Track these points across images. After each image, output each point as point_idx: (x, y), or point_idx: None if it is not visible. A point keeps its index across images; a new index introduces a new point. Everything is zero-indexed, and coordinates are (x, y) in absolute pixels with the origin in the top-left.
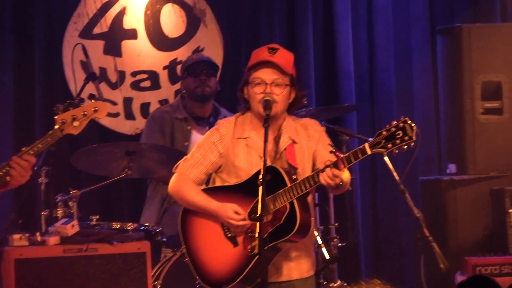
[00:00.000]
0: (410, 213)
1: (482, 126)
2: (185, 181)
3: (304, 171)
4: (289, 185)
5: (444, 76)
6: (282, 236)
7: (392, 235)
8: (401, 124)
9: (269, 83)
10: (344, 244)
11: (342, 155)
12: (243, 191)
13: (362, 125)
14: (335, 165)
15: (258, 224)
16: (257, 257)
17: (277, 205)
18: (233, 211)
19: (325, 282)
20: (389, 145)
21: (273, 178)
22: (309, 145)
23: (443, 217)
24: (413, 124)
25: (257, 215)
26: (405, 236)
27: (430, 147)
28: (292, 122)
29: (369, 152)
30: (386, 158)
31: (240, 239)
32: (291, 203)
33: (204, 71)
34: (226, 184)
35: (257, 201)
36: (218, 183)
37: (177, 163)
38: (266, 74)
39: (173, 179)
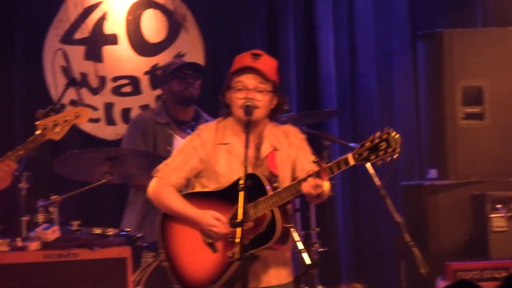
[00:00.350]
0: (391, 218)
1: (463, 131)
2: (164, 186)
3: (285, 178)
4: (270, 193)
5: (425, 81)
6: (263, 244)
7: (373, 240)
8: (384, 136)
9: (251, 89)
10: (325, 249)
11: (325, 165)
12: (223, 197)
13: (343, 130)
14: (317, 174)
15: (239, 230)
16: (235, 263)
17: (257, 213)
18: (213, 218)
19: (306, 287)
20: (372, 157)
21: (254, 185)
22: (289, 153)
23: (424, 222)
24: (397, 136)
25: (237, 221)
26: (386, 241)
27: (411, 152)
28: (274, 129)
29: (352, 163)
30: (367, 164)
31: (219, 245)
32: (272, 211)
33: (190, 73)
34: (206, 189)
35: (237, 208)
36: (197, 188)
37: (157, 167)
38: (248, 80)
39: (152, 183)
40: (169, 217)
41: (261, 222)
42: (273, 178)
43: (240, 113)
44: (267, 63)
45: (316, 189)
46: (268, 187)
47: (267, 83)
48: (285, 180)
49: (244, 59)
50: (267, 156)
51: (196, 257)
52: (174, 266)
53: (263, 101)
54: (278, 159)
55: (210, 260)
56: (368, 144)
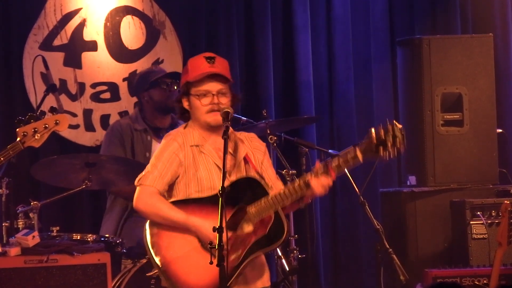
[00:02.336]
0: (370, 225)
1: (442, 138)
2: (154, 195)
3: (268, 180)
4: (270, 194)
5: (404, 87)
6: (268, 245)
7: (352, 247)
8: (389, 128)
9: (215, 94)
10: (303, 255)
11: (332, 163)
12: (215, 202)
13: (321, 136)
14: (326, 172)
15: (219, 236)
16: (239, 269)
17: (260, 215)
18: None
19: None
20: (381, 150)
21: (252, 188)
22: (256, 156)
23: (403, 229)
24: (400, 126)
25: (217, 227)
26: (365, 248)
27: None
28: (236, 133)
29: (361, 158)
30: (346, 170)
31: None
32: (276, 213)
33: (172, 83)
34: (194, 196)
35: (233, 213)
36: (180, 192)
37: (139, 176)
38: (211, 86)
39: (139, 193)
40: (156, 225)
41: (265, 224)
42: (263, 179)
43: (207, 118)
44: (223, 65)
45: (326, 189)
46: (269, 188)
47: (226, 85)
48: (270, 185)
49: (200, 64)
50: (245, 158)
51: (194, 263)
52: (168, 274)
53: (227, 103)
54: (253, 161)
55: (212, 266)
56: (374, 138)
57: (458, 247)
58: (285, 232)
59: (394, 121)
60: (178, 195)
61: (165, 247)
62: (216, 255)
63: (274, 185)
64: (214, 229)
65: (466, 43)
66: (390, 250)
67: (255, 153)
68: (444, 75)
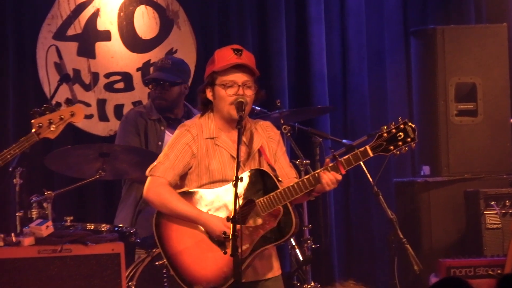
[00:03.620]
0: (383, 215)
1: (456, 128)
2: (164, 187)
3: (280, 172)
4: (280, 187)
5: (418, 78)
6: (276, 239)
7: (366, 237)
8: (401, 126)
9: (240, 85)
10: (317, 245)
11: (341, 158)
12: (225, 195)
13: (335, 127)
14: (334, 167)
15: (232, 226)
16: (245, 264)
17: (269, 208)
18: (225, 226)
19: (298, 284)
20: (391, 147)
21: (262, 181)
22: (270, 146)
23: (417, 219)
24: (413, 125)
25: (231, 217)
26: (378, 238)
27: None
28: (252, 123)
29: (371, 154)
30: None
31: (228, 244)
32: (285, 206)
33: (158, 86)
34: (205, 188)
35: (242, 205)
36: (192, 183)
37: (151, 166)
38: (237, 76)
39: (149, 183)
40: (164, 216)
41: (274, 217)
42: (274, 172)
43: (230, 109)
44: (250, 58)
45: (335, 184)
46: (279, 182)
47: (252, 78)
48: (281, 174)
49: (227, 55)
50: (260, 150)
51: (203, 255)
52: (176, 265)
53: (251, 96)
54: (267, 153)
55: (221, 258)
56: (385, 135)
57: (472, 237)
58: (293, 227)
59: (407, 119)
60: (190, 186)
61: (173, 237)
62: (230, 245)
63: (287, 173)
64: (228, 219)
65: (480, 33)
66: (404, 240)
67: (269, 143)
68: (458, 65)
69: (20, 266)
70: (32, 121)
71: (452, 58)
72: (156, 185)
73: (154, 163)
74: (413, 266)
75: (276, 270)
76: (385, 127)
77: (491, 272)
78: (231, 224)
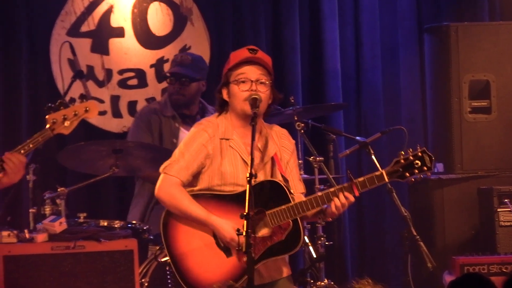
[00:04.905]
0: (397, 212)
1: (469, 125)
2: (176, 186)
3: (291, 183)
4: (292, 202)
5: (432, 75)
6: (283, 252)
7: (379, 234)
8: (419, 154)
9: (253, 80)
10: (331, 243)
11: (356, 180)
12: (236, 201)
13: (348, 124)
14: (349, 188)
15: (245, 222)
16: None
17: (279, 221)
18: (234, 230)
19: (311, 281)
20: (407, 174)
21: (274, 193)
22: (283, 155)
23: (430, 216)
24: (430, 154)
25: (244, 214)
26: (391, 236)
27: (417, 147)
28: (268, 128)
29: (386, 180)
30: (373, 157)
31: (234, 250)
32: (295, 221)
33: (179, 80)
34: (217, 192)
35: (253, 213)
36: (202, 183)
37: (165, 164)
38: (250, 72)
39: (162, 182)
40: (173, 215)
41: (282, 230)
42: (286, 183)
43: (244, 106)
44: (265, 58)
45: (345, 205)
46: (291, 196)
47: (267, 76)
48: (292, 186)
49: (242, 54)
50: (273, 158)
51: (207, 259)
52: (179, 266)
53: (265, 93)
54: (280, 162)
55: (224, 265)
56: (402, 161)
57: (485, 235)
58: (301, 242)
59: (425, 148)
60: (201, 185)
61: (179, 238)
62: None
63: (296, 186)
64: (242, 216)
65: (493, 30)
66: (417, 237)
67: (282, 152)
68: (471, 62)
69: (33, 262)
70: (47, 116)
71: (465, 55)
72: (169, 185)
73: (169, 161)
74: (426, 264)
75: (284, 271)
76: (403, 153)
77: (504, 270)
78: (244, 221)
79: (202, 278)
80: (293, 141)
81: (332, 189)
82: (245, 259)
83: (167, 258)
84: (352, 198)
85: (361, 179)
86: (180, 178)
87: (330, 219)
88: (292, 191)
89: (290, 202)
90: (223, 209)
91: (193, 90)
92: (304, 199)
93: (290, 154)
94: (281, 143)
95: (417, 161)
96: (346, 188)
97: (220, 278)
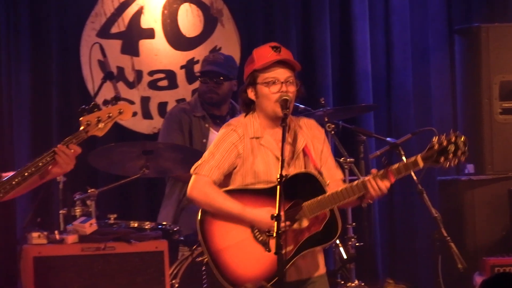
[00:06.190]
0: (427, 213)
1: (500, 126)
2: (208, 185)
3: (326, 174)
4: (328, 192)
5: (462, 76)
6: (321, 243)
7: (410, 235)
8: (453, 139)
9: (283, 81)
10: (361, 244)
11: (391, 166)
12: (271, 194)
13: (379, 125)
14: (384, 175)
15: (276, 223)
16: (288, 265)
17: (316, 211)
18: (270, 215)
19: (342, 282)
20: (442, 159)
21: (309, 184)
22: (315, 146)
23: (461, 217)
24: (465, 139)
25: (275, 215)
26: (422, 237)
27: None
28: (296, 120)
29: (421, 165)
30: (403, 158)
31: (272, 243)
32: (331, 210)
33: (214, 79)
34: (251, 187)
35: (288, 207)
36: (236, 183)
37: (195, 164)
38: (279, 73)
39: (194, 182)
40: (209, 214)
41: (320, 221)
42: (320, 174)
43: (276, 107)
44: (288, 54)
45: (383, 191)
46: (327, 186)
47: (293, 73)
48: (328, 175)
49: (266, 53)
50: (304, 150)
51: (245, 254)
52: (218, 262)
53: (294, 92)
54: (312, 153)
55: (263, 258)
56: (436, 146)
57: None
58: (339, 231)
59: (458, 132)
60: (233, 185)
61: (217, 235)
62: (275, 243)
63: (334, 175)
64: (272, 217)
65: None
66: (448, 238)
67: (314, 142)
68: (502, 63)
69: (63, 263)
70: (81, 118)
71: (496, 56)
72: (201, 184)
73: (199, 162)
74: (457, 265)
75: (321, 268)
76: (436, 138)
77: None
78: (275, 222)
79: (240, 273)
80: (323, 130)
81: (368, 177)
82: (283, 252)
83: (203, 257)
84: (388, 184)
85: (396, 165)
86: (212, 177)
87: (370, 201)
88: (327, 181)
89: (325, 192)
90: (259, 203)
91: (226, 89)
92: (342, 186)
93: (322, 142)
94: (312, 133)
95: (451, 146)
96: (382, 175)
97: (259, 272)
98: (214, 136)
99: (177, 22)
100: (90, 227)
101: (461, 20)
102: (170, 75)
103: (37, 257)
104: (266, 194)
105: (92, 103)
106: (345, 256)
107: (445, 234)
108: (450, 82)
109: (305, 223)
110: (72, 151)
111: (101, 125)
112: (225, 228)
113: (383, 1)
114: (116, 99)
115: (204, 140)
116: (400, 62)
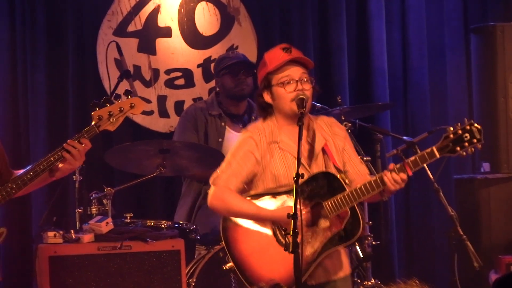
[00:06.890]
0: (443, 212)
1: None
2: (226, 192)
3: (347, 172)
4: (347, 190)
5: (478, 74)
6: (343, 241)
7: (426, 233)
8: (467, 127)
9: (297, 80)
10: (377, 242)
11: (408, 160)
12: (291, 195)
13: (395, 123)
14: (401, 169)
15: (292, 222)
16: (314, 262)
17: (337, 210)
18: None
19: (359, 281)
20: (457, 148)
21: (329, 183)
22: (337, 143)
23: (477, 215)
24: (479, 126)
25: (291, 214)
26: (438, 235)
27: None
28: (314, 119)
29: (437, 155)
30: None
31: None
32: (352, 208)
33: (242, 70)
34: (269, 189)
35: (310, 208)
36: (259, 189)
37: (213, 175)
38: (293, 72)
39: (212, 193)
40: (231, 219)
41: (341, 219)
42: (340, 172)
43: (292, 106)
44: (299, 53)
45: (401, 184)
46: (346, 184)
47: (307, 72)
48: (354, 172)
49: (277, 55)
50: (324, 149)
51: (270, 257)
52: (244, 269)
53: (310, 90)
54: (332, 151)
55: (288, 260)
56: (451, 136)
57: None
58: (361, 229)
59: (472, 121)
60: (257, 190)
61: (240, 241)
62: (290, 241)
63: (360, 171)
64: (288, 216)
65: None
66: (464, 236)
67: (335, 140)
68: None
69: (79, 263)
70: (92, 113)
71: (511, 55)
72: (219, 193)
73: (217, 172)
74: (473, 263)
75: (346, 268)
76: (451, 128)
77: None
78: (291, 221)
79: (267, 277)
80: (343, 127)
81: (385, 172)
82: (307, 253)
83: (230, 264)
84: (405, 177)
85: (412, 158)
86: (230, 187)
87: (390, 194)
88: (347, 181)
89: (345, 190)
90: (278, 202)
91: (251, 83)
92: (368, 179)
93: (343, 139)
94: (333, 131)
95: (466, 134)
96: (399, 168)
97: (284, 274)
98: (231, 134)
99: (194, 21)
100: (106, 226)
101: (477, 19)
102: (187, 73)
103: (52, 256)
104: (285, 193)
105: (104, 97)
106: (361, 255)
107: (461, 233)
108: (466, 80)
109: (327, 222)
110: (84, 145)
111: (112, 119)
112: (247, 234)
113: None
114: (128, 93)
115: (220, 139)
116: (417, 61)
